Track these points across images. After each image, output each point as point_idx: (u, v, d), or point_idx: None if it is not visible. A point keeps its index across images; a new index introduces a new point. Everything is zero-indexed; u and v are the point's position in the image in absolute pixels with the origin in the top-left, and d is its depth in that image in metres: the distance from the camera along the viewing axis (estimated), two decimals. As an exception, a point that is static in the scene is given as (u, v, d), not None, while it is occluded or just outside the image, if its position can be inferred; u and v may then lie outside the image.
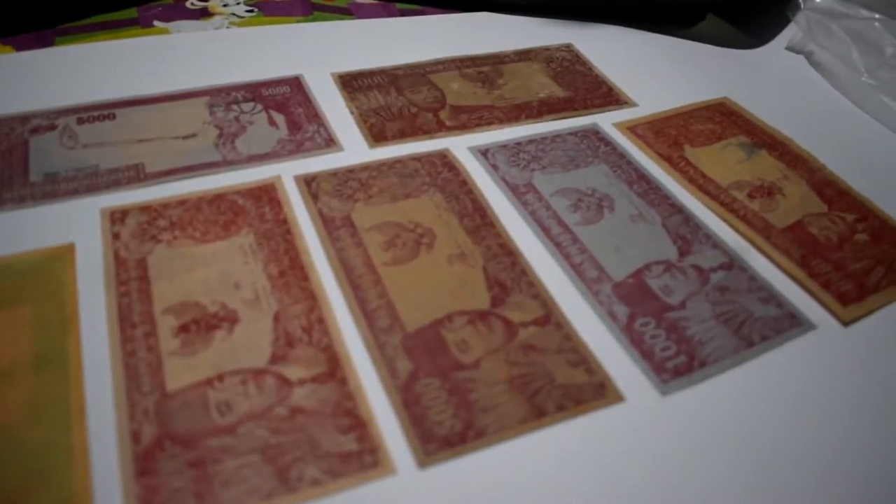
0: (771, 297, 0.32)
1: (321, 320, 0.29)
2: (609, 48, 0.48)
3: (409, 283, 0.31)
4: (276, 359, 0.28)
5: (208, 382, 0.27)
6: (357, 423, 0.26)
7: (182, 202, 0.34)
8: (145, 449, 0.25)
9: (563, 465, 0.26)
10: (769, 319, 0.31)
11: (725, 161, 0.38)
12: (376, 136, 0.38)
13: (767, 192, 0.37)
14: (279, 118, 0.39)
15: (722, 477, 0.26)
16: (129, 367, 0.27)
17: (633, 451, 0.26)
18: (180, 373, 0.27)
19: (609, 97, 0.43)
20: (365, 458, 0.25)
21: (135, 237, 0.32)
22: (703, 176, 0.37)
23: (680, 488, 0.25)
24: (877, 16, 0.44)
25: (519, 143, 0.39)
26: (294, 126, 0.38)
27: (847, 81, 0.44)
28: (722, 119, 0.42)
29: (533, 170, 0.37)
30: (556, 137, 0.40)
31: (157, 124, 0.38)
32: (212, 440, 0.25)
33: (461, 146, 0.38)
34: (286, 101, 0.40)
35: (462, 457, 0.26)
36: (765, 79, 0.47)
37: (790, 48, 0.49)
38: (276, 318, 0.29)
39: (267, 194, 0.35)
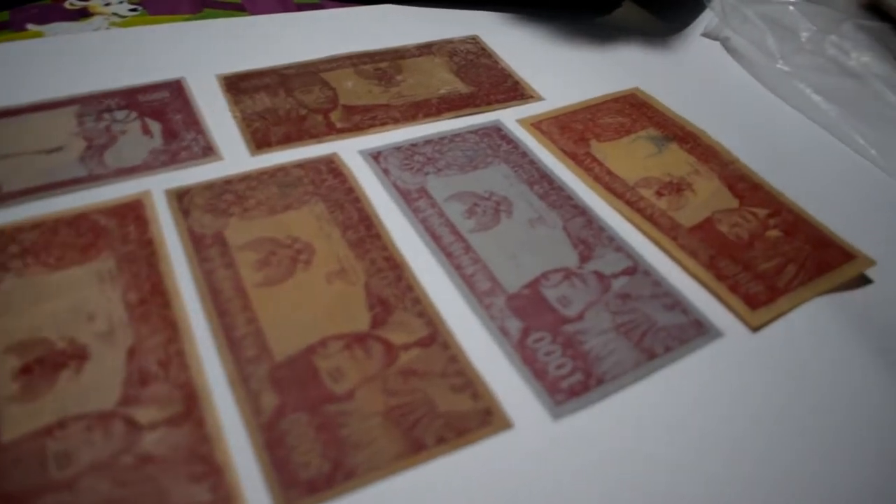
0: (676, 303, 0.30)
1: (180, 353, 0.27)
2: (518, 39, 0.46)
3: (282, 305, 0.28)
4: (126, 400, 0.25)
5: (48, 431, 0.24)
6: (211, 470, 0.24)
7: (37, 225, 0.31)
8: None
9: (441, 504, 0.23)
10: (673, 328, 0.29)
11: (634, 156, 0.36)
12: (259, 142, 0.35)
13: (676, 188, 0.34)
14: (155, 126, 0.36)
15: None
16: (-43, 419, 0.24)
17: (521, 483, 0.24)
18: (18, 421, 0.24)
19: (514, 92, 0.41)
20: (219, 509, 0.23)
21: (-20, 267, 0.29)
22: (610, 173, 0.35)
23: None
24: (792, 0, 0.42)
25: (414, 145, 0.36)
26: (170, 134, 0.36)
27: (762, 67, 0.42)
28: (632, 111, 0.40)
29: (427, 173, 0.35)
30: (455, 137, 0.37)
31: (21, 138, 0.35)
32: (47, 498, 0.23)
33: (351, 150, 0.36)
34: (164, 107, 0.37)
35: (329, 502, 0.23)
36: (679, 67, 0.45)
37: (706, 34, 0.47)
38: (131, 352, 0.26)
39: (133, 212, 0.32)
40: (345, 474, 0.24)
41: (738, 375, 0.28)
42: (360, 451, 0.24)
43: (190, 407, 0.25)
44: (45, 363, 0.26)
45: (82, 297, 0.28)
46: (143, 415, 0.25)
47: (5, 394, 0.25)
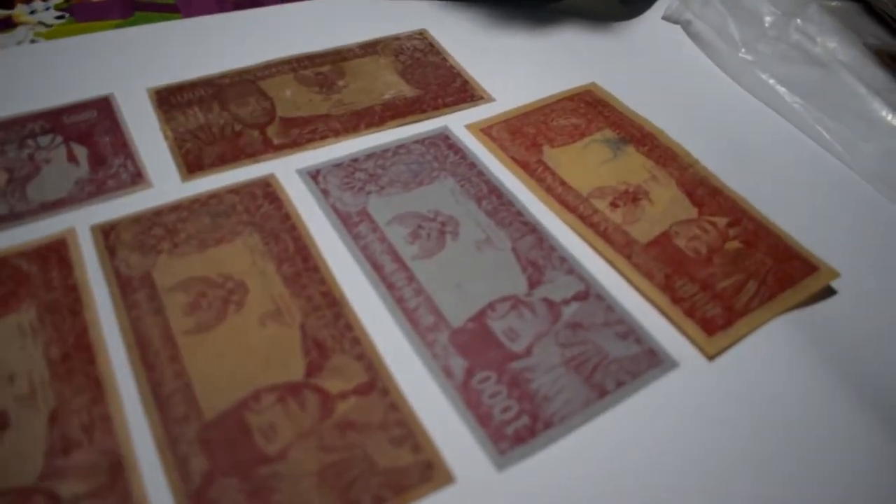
0: (629, 331, 0.29)
1: (105, 417, 0.26)
2: (468, 32, 0.44)
3: (213, 355, 0.27)
4: (47, 473, 0.24)
5: (-37, 513, 0.23)
6: (135, 549, 0.23)
7: (-47, 275, 0.29)
8: None
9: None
10: (626, 360, 0.28)
11: (588, 163, 0.35)
12: (191, 165, 0.34)
13: (633, 198, 0.33)
14: (81, 152, 0.34)
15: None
16: None
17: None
18: (-68, 503, 0.23)
19: (463, 93, 0.39)
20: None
21: None
22: (563, 183, 0.34)
23: None
24: (754, -21, 0.40)
25: (356, 160, 0.35)
26: (97, 161, 0.34)
27: (725, 56, 0.41)
28: (587, 111, 0.38)
29: (369, 192, 0.33)
30: (399, 148, 0.36)
31: (-64, 174, 0.34)
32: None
33: (289, 169, 0.34)
34: (91, 129, 0.36)
35: (259, 578, 0.22)
36: (638, 56, 0.43)
37: (666, 17, 0.45)
38: (53, 417, 0.25)
39: (56, 253, 0.30)
40: (276, 545, 0.23)
41: (695, 409, 0.27)
42: (293, 519, 0.23)
43: (115, 477, 0.24)
44: (-40, 434, 0.25)
45: (1, 356, 0.27)
46: (66, 489, 0.24)
47: (-83, 475, 0.24)
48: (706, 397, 0.27)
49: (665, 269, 0.30)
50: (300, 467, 0.24)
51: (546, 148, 0.36)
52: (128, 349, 0.27)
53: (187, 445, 0.25)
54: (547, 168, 0.35)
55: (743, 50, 0.39)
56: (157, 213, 0.32)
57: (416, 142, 0.36)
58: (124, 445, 0.25)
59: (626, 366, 0.28)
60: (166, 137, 0.35)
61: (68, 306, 0.29)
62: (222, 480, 0.24)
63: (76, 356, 0.27)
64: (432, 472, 0.25)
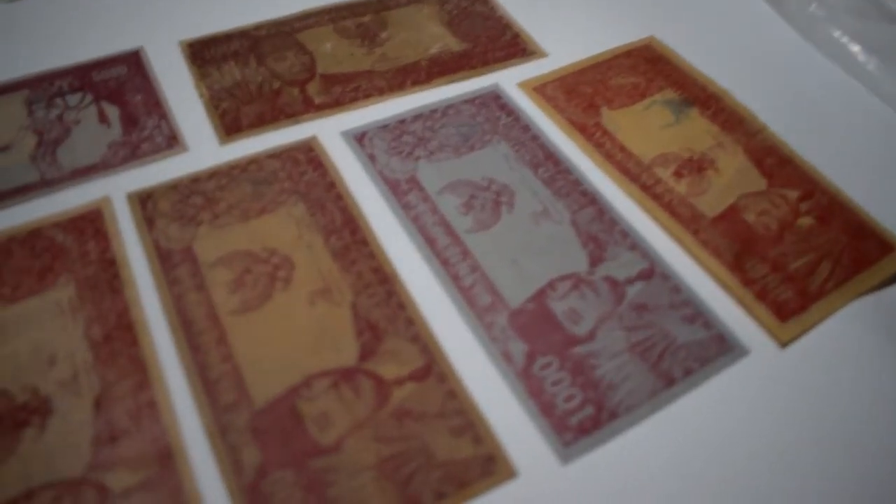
0: (697, 314, 0.27)
1: (152, 403, 0.25)
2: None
3: (261, 337, 0.26)
4: (95, 464, 0.23)
5: (12, 505, 0.22)
6: (190, 546, 0.22)
7: (-13, 246, 0.28)
8: None
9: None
10: (693, 346, 0.26)
11: (649, 126, 0.33)
12: (229, 126, 0.32)
13: (698, 167, 0.31)
14: (112, 112, 0.33)
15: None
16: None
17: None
18: (-23, 496, 0.23)
19: (514, 47, 0.37)
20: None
21: (-73, 305, 0.27)
22: (623, 149, 0.32)
23: None
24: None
25: (403, 122, 0.33)
26: (130, 122, 0.32)
27: (793, 9, 0.38)
28: (647, 68, 0.36)
29: (418, 158, 0.32)
30: (448, 109, 0.34)
31: (-37, 136, 0.32)
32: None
33: (332, 131, 0.33)
34: (121, 86, 0.34)
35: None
36: (699, 8, 0.40)
37: (730, -37, 0.42)
38: (98, 403, 0.25)
39: (92, 224, 0.29)
40: (335, 544, 0.22)
41: (767, 400, 0.26)
42: (351, 515, 0.22)
43: (165, 468, 0.24)
44: (4, 422, 0.24)
45: (41, 337, 0.26)
46: (116, 480, 0.23)
47: (-36, 461, 0.23)
48: (779, 387, 0.26)
49: (734, 246, 0.29)
50: (356, 460, 0.24)
51: (604, 110, 0.34)
52: (171, 330, 0.26)
53: (238, 435, 0.24)
54: (606, 132, 0.33)
55: (814, 4, 0.37)
56: (195, 180, 0.31)
57: (466, 101, 0.34)
58: (173, 434, 0.24)
59: (693, 352, 0.26)
60: (201, 96, 0.34)
61: (107, 282, 0.28)
62: (276, 473, 0.23)
63: (118, 337, 0.26)
64: (494, 465, 0.24)
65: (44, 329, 0.26)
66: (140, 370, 0.25)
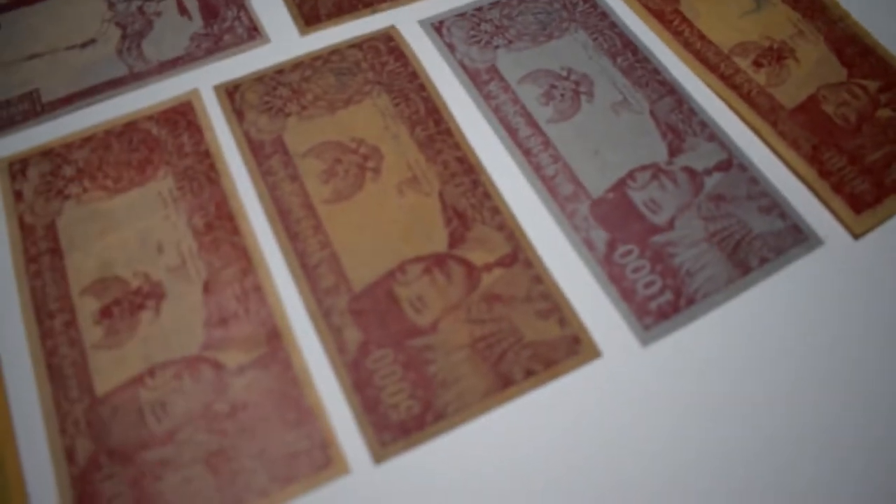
0: (773, 205, 0.29)
1: (257, 287, 0.28)
2: None
3: (355, 225, 0.29)
4: (209, 343, 0.26)
5: (139, 380, 0.26)
6: (304, 415, 0.25)
7: (87, 139, 0.31)
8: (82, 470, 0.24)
9: (532, 443, 0.25)
10: (770, 236, 0.28)
11: (728, 13, 0.34)
12: (308, 17, 0.34)
13: (777, 56, 0.33)
14: (191, 3, 0.35)
15: (709, 439, 0.25)
16: (52, 369, 0.26)
17: (611, 417, 0.25)
18: (110, 372, 0.26)
19: (589, -71, 0.38)
20: (315, 456, 0.24)
21: (39, 194, 0.30)
22: (702, 37, 0.33)
23: (662, 458, 0.24)
24: None
25: (479, 9, 0.35)
26: (210, 13, 0.34)
27: None
28: (727, -52, 0.36)
29: (497, 47, 0.33)
30: (524, -5, 0.35)
31: (49, 29, 0.34)
32: (149, 453, 0.25)
33: (410, 19, 0.34)
34: (198, -25, 0.36)
35: (421, 445, 0.25)
36: None
37: None
38: (207, 288, 0.28)
39: (184, 117, 0.32)
40: (435, 415, 0.25)
41: (841, 289, 0.28)
42: (448, 390, 0.26)
43: (275, 347, 0.26)
44: (122, 305, 0.27)
45: (148, 226, 0.29)
46: (230, 357, 0.26)
47: (93, 340, 0.26)
48: (851, 278, 0.28)
49: (812, 138, 0.30)
50: (451, 339, 0.26)
51: (683, -5, 0.35)
52: (269, 219, 0.29)
53: (339, 316, 0.27)
54: (684, 19, 0.34)
55: None
56: (279, 72, 0.33)
57: (542, -12, 0.35)
58: (279, 316, 0.27)
59: (769, 242, 0.28)
60: (278, -16, 0.35)
61: (204, 173, 0.30)
62: (377, 351, 0.26)
63: (220, 226, 0.29)
64: (580, 345, 0.26)
65: (149, 218, 0.29)
66: (243, 257, 0.28)
